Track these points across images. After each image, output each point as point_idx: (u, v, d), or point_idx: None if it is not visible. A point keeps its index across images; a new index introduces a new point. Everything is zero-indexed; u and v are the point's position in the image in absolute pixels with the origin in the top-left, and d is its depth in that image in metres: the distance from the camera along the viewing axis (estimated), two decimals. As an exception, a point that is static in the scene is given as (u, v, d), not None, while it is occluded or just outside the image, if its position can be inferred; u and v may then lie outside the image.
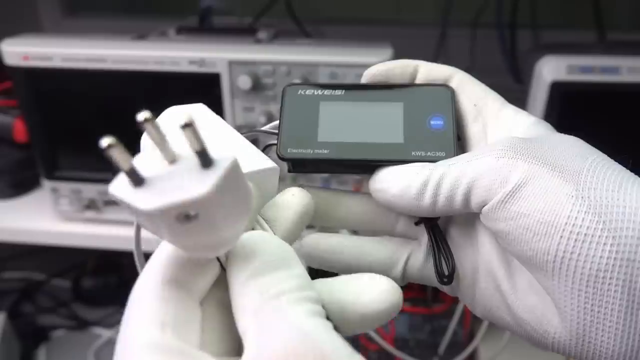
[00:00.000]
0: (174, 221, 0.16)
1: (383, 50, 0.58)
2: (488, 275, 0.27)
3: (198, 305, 0.20)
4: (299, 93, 0.29)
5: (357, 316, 0.21)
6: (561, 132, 0.28)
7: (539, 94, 0.58)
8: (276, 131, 0.29)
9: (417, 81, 0.30)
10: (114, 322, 0.97)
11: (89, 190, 0.68)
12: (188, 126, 0.16)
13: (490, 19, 0.82)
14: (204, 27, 0.77)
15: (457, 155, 0.27)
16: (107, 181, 0.73)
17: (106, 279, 0.99)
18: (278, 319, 0.18)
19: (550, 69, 0.57)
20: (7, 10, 0.93)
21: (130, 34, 0.67)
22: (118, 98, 0.63)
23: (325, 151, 0.28)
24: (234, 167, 0.16)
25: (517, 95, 0.42)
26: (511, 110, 0.28)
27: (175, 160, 0.17)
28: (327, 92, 0.29)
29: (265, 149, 0.28)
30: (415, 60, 0.30)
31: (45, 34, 0.70)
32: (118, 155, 0.16)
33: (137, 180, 0.16)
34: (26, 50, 0.60)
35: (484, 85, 0.29)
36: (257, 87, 0.58)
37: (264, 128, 0.30)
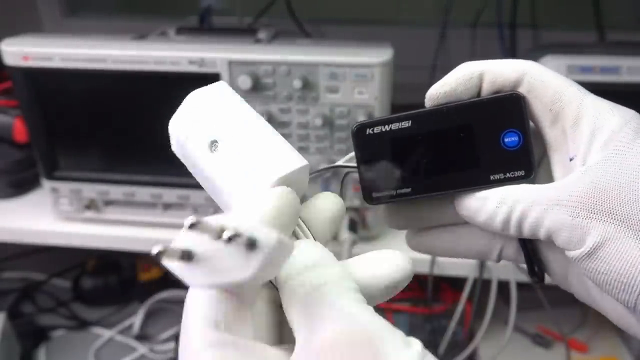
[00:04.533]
0: None
1: (383, 50, 0.58)
2: (577, 277, 0.29)
3: (247, 305, 0.21)
4: (367, 133, 0.30)
5: (379, 289, 0.23)
6: None
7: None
8: (354, 164, 0.31)
9: (483, 91, 0.28)
10: (114, 322, 0.97)
11: (89, 190, 0.67)
12: (233, 238, 0.16)
13: (490, 19, 0.83)
14: (204, 27, 0.77)
15: (536, 171, 0.28)
16: (107, 181, 0.72)
17: (106, 279, 0.99)
18: (325, 308, 0.20)
19: (551, 69, 0.57)
20: (7, 10, 0.93)
21: (130, 34, 0.67)
22: (118, 98, 0.63)
23: (407, 190, 0.30)
24: (277, 249, 0.17)
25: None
26: (591, 114, 0.26)
27: (221, 234, 0.17)
28: (394, 126, 0.30)
29: (345, 177, 0.33)
30: (478, 65, 0.28)
31: (45, 34, 0.70)
32: (167, 257, 0.17)
33: (187, 257, 0.16)
34: (26, 50, 0.60)
35: (558, 79, 0.28)
36: (257, 87, 0.58)
37: (341, 163, 0.32)
